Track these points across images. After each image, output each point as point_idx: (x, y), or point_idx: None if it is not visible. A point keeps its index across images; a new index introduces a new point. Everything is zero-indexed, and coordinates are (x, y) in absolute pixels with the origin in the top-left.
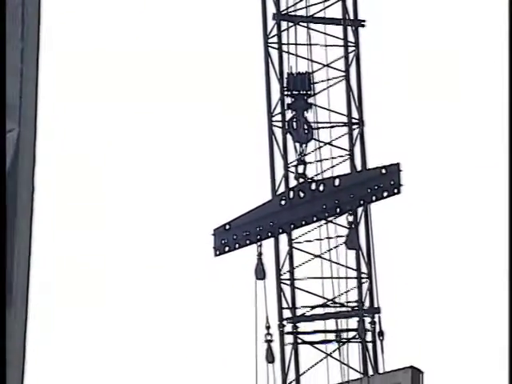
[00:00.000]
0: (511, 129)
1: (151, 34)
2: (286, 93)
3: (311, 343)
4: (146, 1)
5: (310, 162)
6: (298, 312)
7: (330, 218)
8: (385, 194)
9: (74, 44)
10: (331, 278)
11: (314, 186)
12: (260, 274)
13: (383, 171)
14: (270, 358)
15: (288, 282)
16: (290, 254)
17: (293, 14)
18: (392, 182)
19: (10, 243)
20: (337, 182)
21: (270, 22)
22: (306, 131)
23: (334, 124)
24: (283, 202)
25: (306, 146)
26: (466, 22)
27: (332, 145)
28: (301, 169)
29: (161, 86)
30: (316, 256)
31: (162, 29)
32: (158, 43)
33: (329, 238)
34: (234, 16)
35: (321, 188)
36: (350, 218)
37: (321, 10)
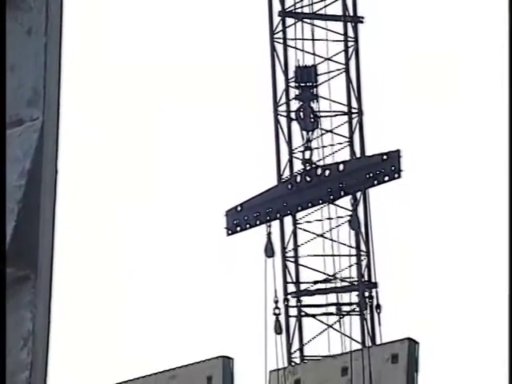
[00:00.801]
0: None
1: (163, 30)
2: (293, 84)
3: (314, 316)
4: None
5: (315, 148)
6: (302, 287)
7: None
8: (386, 178)
9: (89, 49)
10: (332, 255)
11: (319, 171)
12: (269, 252)
13: (384, 157)
14: (278, 330)
15: (292, 260)
16: (295, 234)
17: (296, 11)
18: (393, 168)
19: (34, 224)
20: (341, 167)
21: (276, 19)
22: (313, 120)
23: (335, 113)
24: (290, 186)
25: (313, 134)
26: (464, 16)
27: (333, 132)
28: (307, 155)
29: (175, 80)
30: (318, 235)
31: (173, 29)
32: (170, 40)
33: (330, 218)
34: (241, 14)
35: (326, 173)
36: (353, 201)
37: (323, 8)
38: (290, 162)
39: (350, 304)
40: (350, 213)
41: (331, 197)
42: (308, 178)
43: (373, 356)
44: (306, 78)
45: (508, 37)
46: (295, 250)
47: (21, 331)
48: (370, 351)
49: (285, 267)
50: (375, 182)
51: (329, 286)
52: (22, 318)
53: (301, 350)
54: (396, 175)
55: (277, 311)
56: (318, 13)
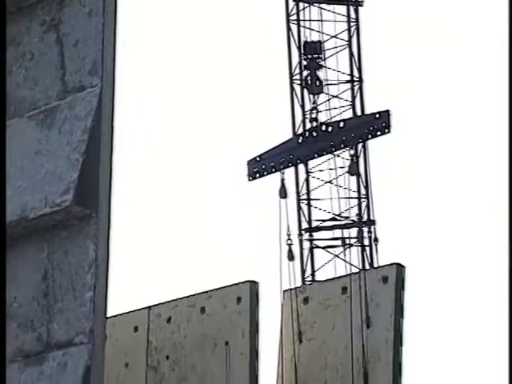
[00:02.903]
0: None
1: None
2: (303, 57)
3: (323, 247)
4: None
5: (322, 111)
6: (313, 224)
7: (336, 152)
8: (378, 133)
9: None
10: (338, 198)
11: (324, 128)
12: (283, 193)
13: (377, 116)
14: (290, 257)
15: (305, 202)
16: (307, 180)
17: None
18: (384, 124)
19: (95, 171)
20: (341, 124)
21: (291, 4)
22: (318, 85)
23: (340, 81)
24: (300, 140)
25: (318, 97)
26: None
27: (338, 97)
28: (314, 114)
29: (215, 53)
30: (326, 182)
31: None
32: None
33: (336, 168)
34: (263, 1)
35: (329, 129)
36: (352, 152)
37: None
38: (303, 121)
39: (353, 238)
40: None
41: (333, 149)
42: (314, 134)
43: (368, 278)
44: (313, 50)
45: (508, 34)
46: (307, 193)
47: (86, 259)
48: (365, 274)
49: (299, 208)
50: (369, 136)
51: (335, 223)
52: (88, 248)
53: (312, 275)
54: (386, 130)
55: (289, 242)
56: None
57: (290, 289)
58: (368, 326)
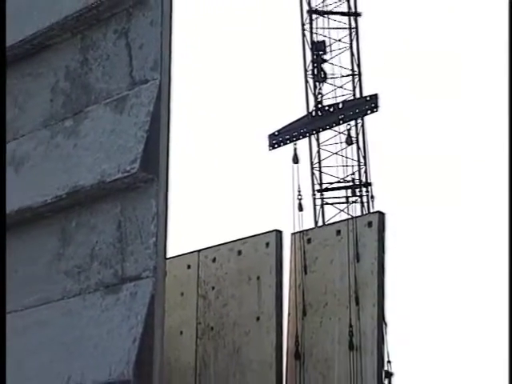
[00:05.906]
0: None
1: None
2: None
3: (331, 204)
4: None
5: (329, 98)
6: (323, 186)
7: (341, 129)
8: (369, 112)
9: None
10: (343, 165)
11: (327, 108)
12: (295, 159)
13: (368, 98)
14: (300, 209)
15: (317, 169)
16: (318, 152)
17: (318, 9)
18: (373, 105)
19: (156, 145)
20: (340, 105)
21: (305, 15)
22: (323, 75)
23: (343, 75)
24: (309, 118)
25: (323, 85)
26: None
27: (342, 87)
28: (319, 98)
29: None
30: (334, 153)
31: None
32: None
33: (341, 142)
34: (278, 12)
35: (331, 109)
36: (349, 127)
37: (335, 7)
38: (315, 105)
39: (354, 196)
40: (353, 136)
41: (334, 124)
42: (320, 113)
43: (356, 223)
44: (319, 48)
45: (508, 34)
46: (319, 162)
47: (150, 213)
48: (355, 220)
49: (312, 173)
50: (362, 114)
51: (341, 185)
52: (151, 205)
53: (323, 223)
54: (375, 109)
55: (299, 197)
56: (332, 10)
57: (298, 232)
58: (358, 261)
